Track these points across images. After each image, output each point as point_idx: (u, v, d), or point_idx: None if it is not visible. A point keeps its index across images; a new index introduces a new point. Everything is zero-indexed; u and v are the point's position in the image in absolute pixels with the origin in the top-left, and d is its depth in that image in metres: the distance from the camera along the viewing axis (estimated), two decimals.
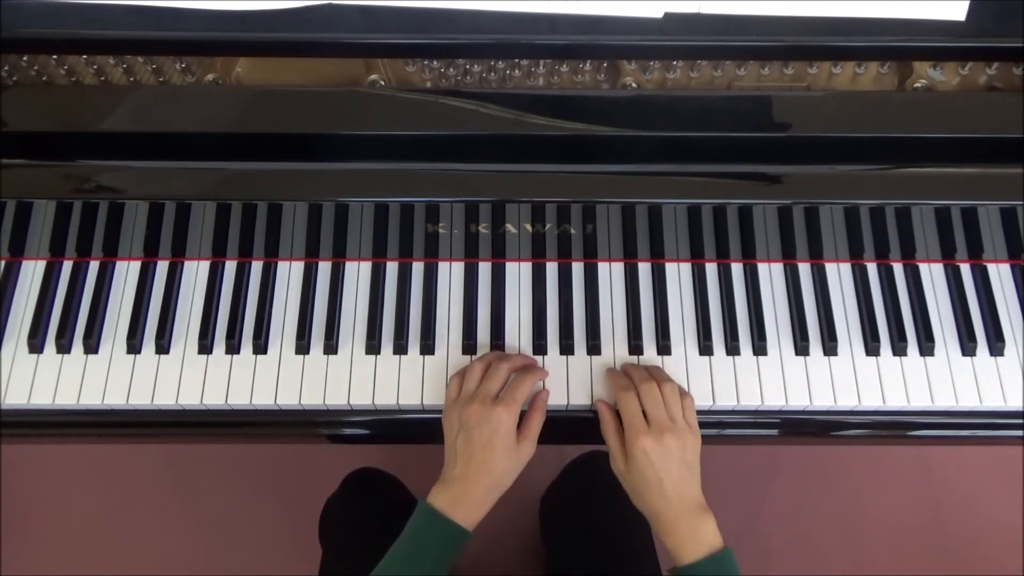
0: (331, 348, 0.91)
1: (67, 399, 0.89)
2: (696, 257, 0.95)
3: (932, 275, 0.95)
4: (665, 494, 0.78)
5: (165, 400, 0.89)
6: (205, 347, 0.91)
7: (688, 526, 0.78)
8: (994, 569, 1.51)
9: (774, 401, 0.89)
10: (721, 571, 0.76)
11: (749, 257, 0.95)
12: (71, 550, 1.52)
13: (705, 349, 0.91)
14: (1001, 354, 0.91)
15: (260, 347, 0.91)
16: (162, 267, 0.95)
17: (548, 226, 0.90)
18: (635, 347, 0.91)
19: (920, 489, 1.57)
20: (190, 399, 0.89)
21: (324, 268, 0.95)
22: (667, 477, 0.78)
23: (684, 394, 0.85)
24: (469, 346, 0.91)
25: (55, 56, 0.81)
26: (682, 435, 0.80)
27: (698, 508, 0.79)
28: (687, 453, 0.80)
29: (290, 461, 1.57)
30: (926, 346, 0.91)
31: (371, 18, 0.76)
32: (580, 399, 0.89)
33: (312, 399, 0.89)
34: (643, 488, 0.80)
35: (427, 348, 0.91)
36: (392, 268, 0.95)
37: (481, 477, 0.80)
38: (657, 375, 0.86)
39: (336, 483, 1.10)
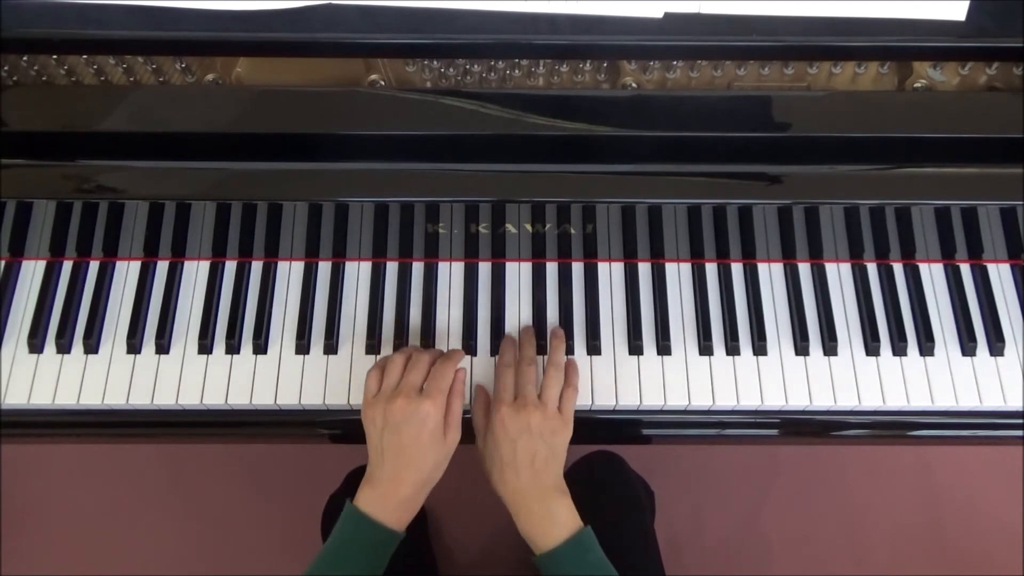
0: (331, 348, 0.91)
1: (67, 399, 0.89)
2: (696, 257, 0.95)
3: (932, 275, 0.95)
4: (519, 471, 0.75)
5: (165, 400, 0.89)
6: (205, 347, 0.91)
7: (545, 508, 0.75)
8: (994, 569, 1.51)
9: (774, 401, 0.89)
10: (583, 552, 0.74)
11: (749, 257, 0.95)
12: (71, 550, 1.52)
13: (705, 349, 0.91)
14: (1001, 354, 0.92)
15: (260, 347, 0.91)
16: (162, 267, 0.95)
17: (548, 226, 0.90)
18: (635, 347, 0.91)
19: (920, 489, 1.57)
20: (190, 399, 0.89)
21: (324, 268, 0.95)
22: (523, 453, 0.75)
23: (568, 385, 0.83)
24: (470, 346, 0.91)
25: (55, 56, 0.81)
26: (548, 417, 0.78)
27: (555, 490, 0.76)
28: (551, 437, 0.77)
29: (290, 461, 1.57)
30: (926, 346, 0.91)
31: (371, 18, 0.76)
32: (578, 400, 0.89)
33: (312, 399, 0.89)
34: (497, 462, 0.77)
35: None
36: (392, 268, 0.95)
37: (411, 475, 0.76)
38: (554, 357, 0.85)
39: (336, 483, 1.10)
